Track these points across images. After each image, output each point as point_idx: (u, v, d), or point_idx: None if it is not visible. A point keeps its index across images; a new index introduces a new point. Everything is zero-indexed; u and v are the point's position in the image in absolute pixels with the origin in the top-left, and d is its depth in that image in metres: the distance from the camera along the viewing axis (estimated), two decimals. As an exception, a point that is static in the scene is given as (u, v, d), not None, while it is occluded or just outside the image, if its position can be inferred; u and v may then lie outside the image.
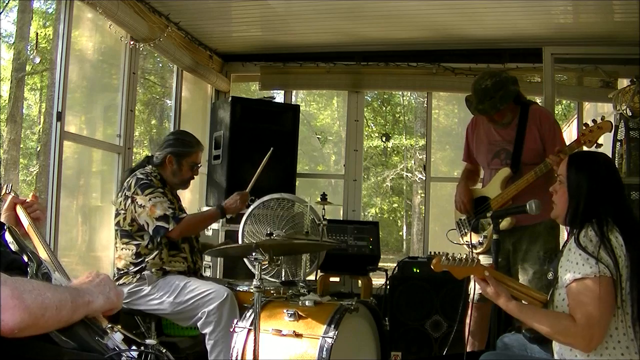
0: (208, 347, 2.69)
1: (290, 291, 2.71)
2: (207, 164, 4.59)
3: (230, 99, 4.48)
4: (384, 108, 15.27)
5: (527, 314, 1.87)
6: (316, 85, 6.04)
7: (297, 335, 2.30)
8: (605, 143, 3.66)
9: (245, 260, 2.81)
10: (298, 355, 2.28)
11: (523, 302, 1.98)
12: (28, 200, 1.81)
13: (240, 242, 3.08)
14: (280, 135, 4.51)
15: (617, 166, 4.10)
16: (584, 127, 2.93)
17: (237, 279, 3.40)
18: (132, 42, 3.90)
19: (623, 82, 4.58)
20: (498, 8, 3.95)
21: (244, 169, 4.22)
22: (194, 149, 3.13)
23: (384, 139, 14.10)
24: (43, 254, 1.61)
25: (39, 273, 1.37)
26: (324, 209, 3.37)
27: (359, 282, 4.31)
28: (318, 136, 13.60)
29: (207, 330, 2.69)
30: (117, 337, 1.26)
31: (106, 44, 4.00)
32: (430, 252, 4.15)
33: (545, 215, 2.33)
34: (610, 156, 4.13)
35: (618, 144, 4.24)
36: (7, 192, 1.85)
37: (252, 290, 2.33)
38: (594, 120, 2.89)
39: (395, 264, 4.17)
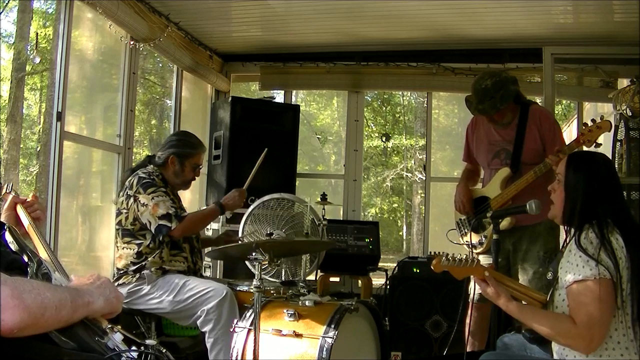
0: (208, 346, 2.69)
1: (290, 291, 2.71)
2: (207, 164, 4.59)
3: (230, 99, 4.49)
4: (384, 108, 15.27)
5: (527, 315, 1.87)
6: (316, 85, 6.03)
7: (297, 335, 2.30)
8: (605, 143, 3.66)
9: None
10: (298, 355, 2.28)
11: (523, 302, 1.98)
12: (28, 200, 1.81)
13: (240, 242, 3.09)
14: (280, 135, 4.51)
15: (617, 166, 4.12)
16: (584, 127, 2.93)
17: (237, 279, 3.41)
18: (132, 42, 3.90)
19: (623, 82, 4.58)
20: (498, 8, 3.95)
21: (244, 169, 4.21)
22: (197, 150, 3.13)
23: (384, 139, 14.09)
24: (43, 253, 1.61)
25: (39, 273, 1.37)
26: (324, 209, 3.38)
27: (359, 282, 4.31)
28: (318, 136, 13.60)
29: (206, 329, 2.70)
30: (117, 338, 1.26)
31: (106, 44, 4.00)
32: (430, 252, 4.16)
33: (545, 215, 2.33)
34: (610, 156, 4.13)
35: (618, 144, 4.24)
36: (7, 191, 1.84)
37: (252, 290, 2.33)
38: (593, 120, 2.89)
39: (395, 264, 4.17)
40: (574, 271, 1.77)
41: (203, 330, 2.72)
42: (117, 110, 3.98)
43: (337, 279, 4.67)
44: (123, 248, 2.94)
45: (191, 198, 4.84)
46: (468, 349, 3.04)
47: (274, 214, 3.06)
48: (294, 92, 5.83)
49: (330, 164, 13.20)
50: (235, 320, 2.48)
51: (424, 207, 5.46)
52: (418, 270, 4.01)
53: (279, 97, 5.79)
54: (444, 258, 1.90)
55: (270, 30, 4.62)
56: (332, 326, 2.27)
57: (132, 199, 2.90)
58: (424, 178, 5.18)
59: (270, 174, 4.13)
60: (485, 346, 3.13)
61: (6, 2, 11.26)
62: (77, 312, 1.20)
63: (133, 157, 4.10)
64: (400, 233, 16.28)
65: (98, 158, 4.12)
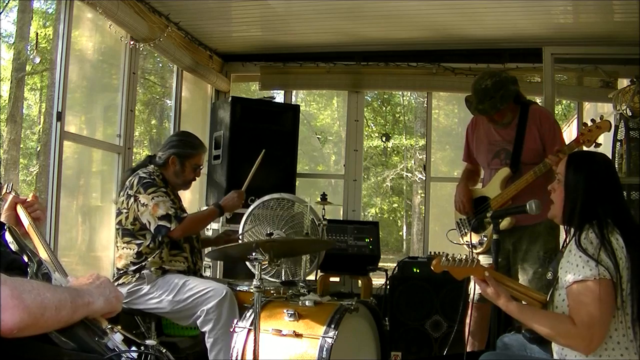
0: (208, 345, 2.70)
1: (290, 291, 2.71)
2: (207, 164, 4.59)
3: (230, 99, 4.48)
4: (384, 108, 15.27)
5: (527, 315, 1.87)
6: (316, 85, 6.03)
7: (297, 335, 2.31)
8: (605, 143, 3.66)
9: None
10: (298, 355, 2.28)
11: (523, 302, 1.98)
12: (28, 200, 1.81)
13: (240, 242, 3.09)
14: (280, 135, 4.51)
15: (617, 166, 4.11)
16: (583, 127, 2.93)
17: (237, 279, 3.41)
18: (132, 42, 3.90)
19: (623, 82, 4.58)
20: (498, 8, 3.94)
21: (244, 169, 4.20)
22: (198, 151, 3.14)
23: (384, 139, 14.09)
24: (43, 253, 1.61)
25: (39, 273, 1.37)
26: (324, 209, 3.38)
27: (359, 282, 4.31)
28: (318, 136, 13.60)
29: (206, 328, 2.70)
30: (116, 338, 1.26)
31: (106, 44, 4.00)
32: (430, 252, 4.19)
33: (545, 215, 2.33)
34: (610, 156, 4.13)
35: (618, 144, 4.24)
36: (7, 191, 1.84)
37: (252, 290, 2.33)
38: (592, 120, 2.89)
39: (395, 264, 4.17)
40: (574, 271, 1.77)
41: (203, 330, 2.72)
42: (117, 110, 3.98)
43: (337, 279, 4.67)
44: (123, 248, 2.94)
45: (191, 198, 4.84)
46: (468, 349, 3.04)
47: (274, 214, 3.06)
48: (294, 92, 5.83)
49: (330, 164, 13.20)
50: (235, 320, 2.48)
51: (424, 207, 5.46)
52: (418, 270, 4.01)
53: (279, 97, 5.79)
54: (443, 258, 1.90)
55: (270, 30, 4.62)
56: (332, 326, 2.27)
57: (132, 199, 2.91)
58: (424, 178, 5.18)
59: (270, 174, 4.13)
60: (485, 346, 3.13)
61: (6, 2, 11.26)
62: (77, 312, 1.20)
63: (133, 157, 4.10)
64: (400, 233, 16.28)
65: (98, 158, 4.12)
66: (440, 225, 5.11)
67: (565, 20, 4.29)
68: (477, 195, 3.28)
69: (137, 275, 2.86)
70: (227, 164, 4.30)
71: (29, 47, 11.14)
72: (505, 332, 2.44)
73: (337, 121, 13.72)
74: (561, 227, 2.46)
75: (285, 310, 2.38)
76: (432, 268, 1.93)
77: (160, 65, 10.94)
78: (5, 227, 1.54)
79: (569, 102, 9.82)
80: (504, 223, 2.90)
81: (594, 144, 2.88)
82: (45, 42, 11.58)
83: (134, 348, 1.27)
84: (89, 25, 3.79)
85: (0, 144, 10.67)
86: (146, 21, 3.87)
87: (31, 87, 13.04)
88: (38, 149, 12.54)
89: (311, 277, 3.40)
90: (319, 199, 3.40)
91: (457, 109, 8.20)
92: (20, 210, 1.76)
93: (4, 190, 1.86)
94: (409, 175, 14.78)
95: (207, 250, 3.29)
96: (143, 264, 2.88)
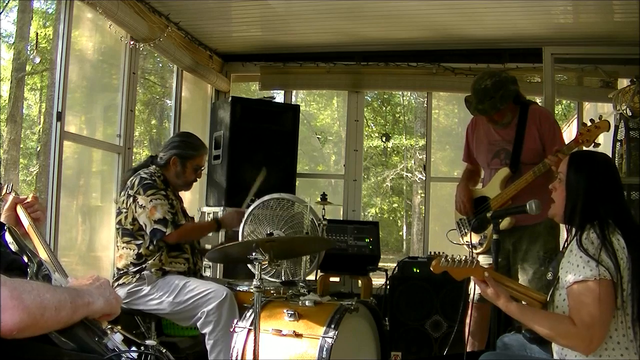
0: (208, 347, 2.70)
1: (290, 291, 2.71)
2: (207, 164, 4.58)
3: (230, 99, 4.49)
4: (384, 108, 15.27)
5: (527, 316, 1.87)
6: (316, 85, 6.03)
7: (297, 335, 2.30)
8: (605, 143, 3.66)
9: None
10: (298, 355, 2.28)
11: (523, 302, 1.98)
12: (28, 200, 1.81)
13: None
14: (280, 135, 4.51)
15: (617, 166, 4.11)
16: (582, 127, 2.93)
17: (237, 279, 3.41)
18: (132, 42, 3.90)
19: (623, 82, 4.58)
20: (498, 8, 3.94)
21: (244, 169, 4.23)
22: (199, 152, 3.14)
23: (384, 139, 14.10)
24: (43, 254, 1.61)
25: (39, 274, 1.37)
26: (324, 209, 3.38)
27: (359, 282, 4.30)
28: (318, 136, 13.60)
29: (206, 330, 2.70)
30: (116, 338, 1.26)
31: (106, 44, 4.00)
32: (430, 252, 4.19)
33: (545, 215, 2.33)
34: (610, 156, 4.13)
35: (618, 144, 4.24)
36: (7, 192, 1.84)
37: (252, 290, 2.33)
38: (591, 120, 2.89)
39: (395, 264, 4.17)
40: (575, 271, 1.77)
41: (203, 332, 2.72)
42: (117, 110, 3.98)
43: (337, 279, 4.67)
44: (123, 248, 2.94)
45: (191, 198, 4.84)
46: (468, 349, 3.04)
47: (274, 214, 3.06)
48: (294, 92, 5.83)
49: (330, 164, 13.20)
50: (235, 321, 2.48)
51: (424, 207, 5.46)
52: (418, 270, 4.00)
53: (279, 97, 5.79)
54: (443, 259, 1.90)
55: (270, 30, 4.62)
56: (332, 326, 2.27)
57: (131, 199, 2.91)
58: (424, 178, 5.18)
59: (270, 174, 4.13)
60: (485, 346, 3.13)
61: (6, 2, 11.26)
62: (76, 313, 1.20)
63: (133, 157, 4.10)
64: (400, 233, 16.28)
65: (98, 158, 4.12)
66: (440, 225, 5.11)
67: (565, 20, 4.29)
68: (477, 195, 3.28)
69: (138, 275, 2.87)
70: (227, 164, 4.30)
71: (29, 47, 11.14)
72: (505, 332, 2.44)
73: (337, 121, 13.72)
74: (562, 227, 2.46)
75: (285, 310, 2.38)
76: (431, 269, 1.93)
77: (160, 65, 10.94)
78: (5, 227, 1.54)
79: (569, 102, 9.82)
80: (504, 223, 2.89)
81: (593, 144, 2.88)
82: (45, 42, 11.58)
83: (134, 348, 1.27)
84: (89, 25, 3.79)
85: (0, 144, 10.67)
86: (146, 21, 3.87)
87: (31, 87, 13.05)
88: (38, 149, 12.54)
89: (311, 277, 3.39)
90: (319, 199, 3.40)
91: (457, 109, 8.20)
92: (20, 211, 1.77)
93: (4, 191, 1.87)
94: (409, 175, 14.78)
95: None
96: (144, 265, 2.88)
